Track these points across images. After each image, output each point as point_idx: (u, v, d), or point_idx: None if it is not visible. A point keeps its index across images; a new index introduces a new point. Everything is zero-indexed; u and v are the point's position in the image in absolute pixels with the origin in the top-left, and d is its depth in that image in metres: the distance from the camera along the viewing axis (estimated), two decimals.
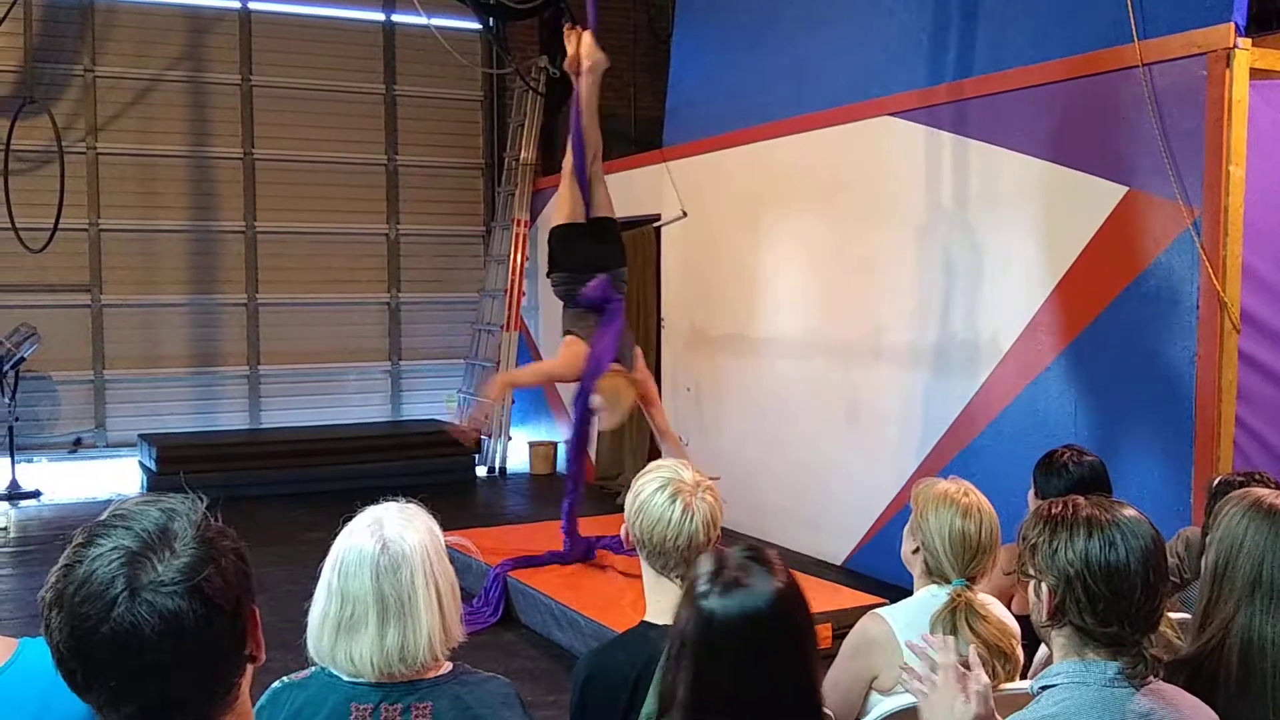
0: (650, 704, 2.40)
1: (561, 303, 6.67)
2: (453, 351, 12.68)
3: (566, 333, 6.56)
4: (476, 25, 12.42)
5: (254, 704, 1.80)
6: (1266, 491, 2.39)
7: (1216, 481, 3.44)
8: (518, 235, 12.00)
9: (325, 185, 12.08)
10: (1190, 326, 5.40)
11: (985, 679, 2.21)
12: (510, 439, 11.89)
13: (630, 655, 2.48)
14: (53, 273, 10.88)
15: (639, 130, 12.05)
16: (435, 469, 10.53)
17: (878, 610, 2.84)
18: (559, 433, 11.89)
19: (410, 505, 2.24)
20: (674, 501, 2.50)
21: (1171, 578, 3.51)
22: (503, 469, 11.71)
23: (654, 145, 10.26)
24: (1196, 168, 5.34)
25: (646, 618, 2.58)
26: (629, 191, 10.25)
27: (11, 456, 10.15)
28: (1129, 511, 2.06)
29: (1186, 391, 5.42)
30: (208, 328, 11.72)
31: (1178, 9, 5.49)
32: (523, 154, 12.14)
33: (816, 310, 8.09)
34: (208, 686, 1.33)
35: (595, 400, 6.40)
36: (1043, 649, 2.63)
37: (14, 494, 9.98)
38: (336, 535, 2.20)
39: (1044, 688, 2.05)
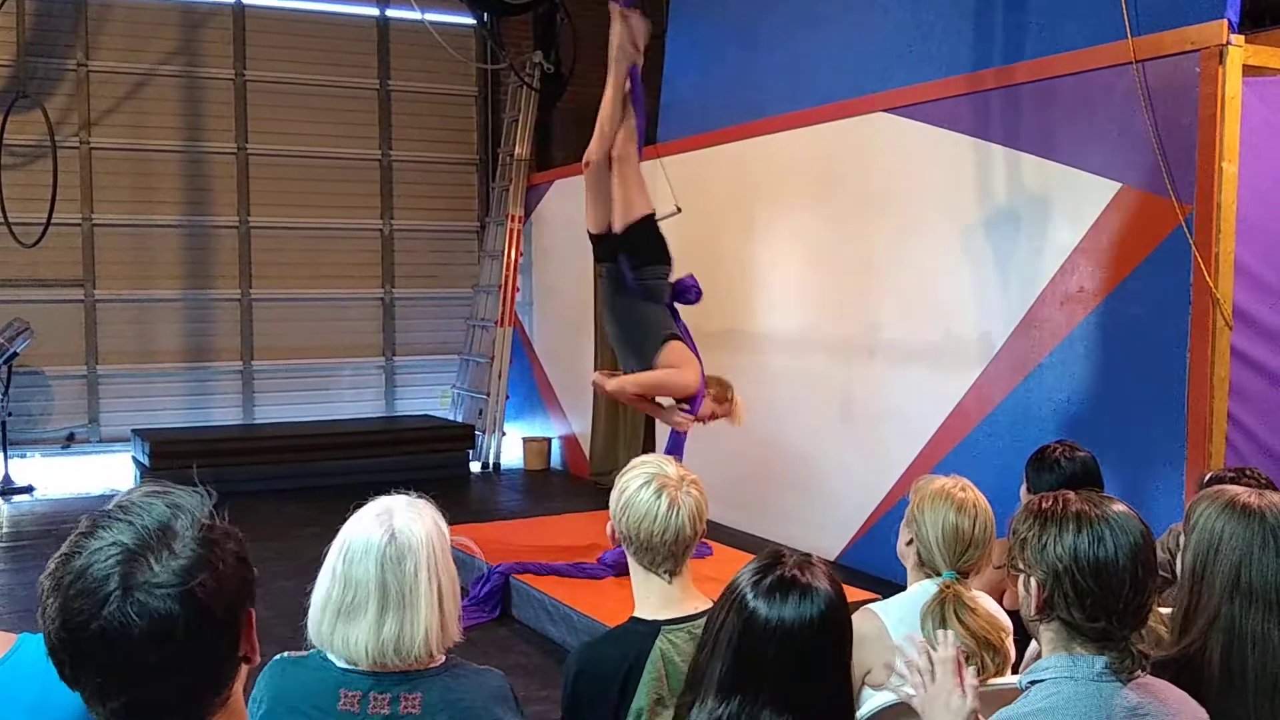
0: (641, 699, 2.41)
1: (612, 304, 6.32)
2: (447, 347, 12.68)
3: (669, 338, 6.13)
4: (471, 20, 12.41)
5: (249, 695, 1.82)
6: (1240, 490, 2.39)
7: (1208, 477, 3.45)
8: (512, 231, 12.00)
9: (319, 180, 12.07)
10: (1183, 323, 5.42)
11: (970, 675, 2.22)
12: (504, 435, 11.89)
13: (621, 650, 2.49)
14: (46, 267, 10.86)
15: None
16: (429, 464, 10.53)
17: (870, 606, 2.85)
18: (553, 428, 11.91)
19: (420, 499, 2.25)
20: (659, 496, 2.50)
21: (1163, 573, 3.52)
22: (496, 464, 11.71)
23: (648, 141, 10.22)
24: (1189, 164, 5.35)
25: (636, 613, 2.58)
26: None
27: (4, 452, 10.14)
28: (1118, 507, 2.07)
29: (1179, 388, 5.44)
30: (201, 323, 11.70)
31: (1171, 5, 5.50)
32: (517, 149, 12.13)
33: (811, 306, 8.10)
34: (197, 687, 1.33)
35: (707, 408, 6.17)
36: (1034, 644, 2.63)
37: (7, 489, 9.98)
38: (333, 528, 2.21)
39: (1032, 682, 2.06)
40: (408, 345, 12.65)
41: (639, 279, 6.22)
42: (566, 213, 11.23)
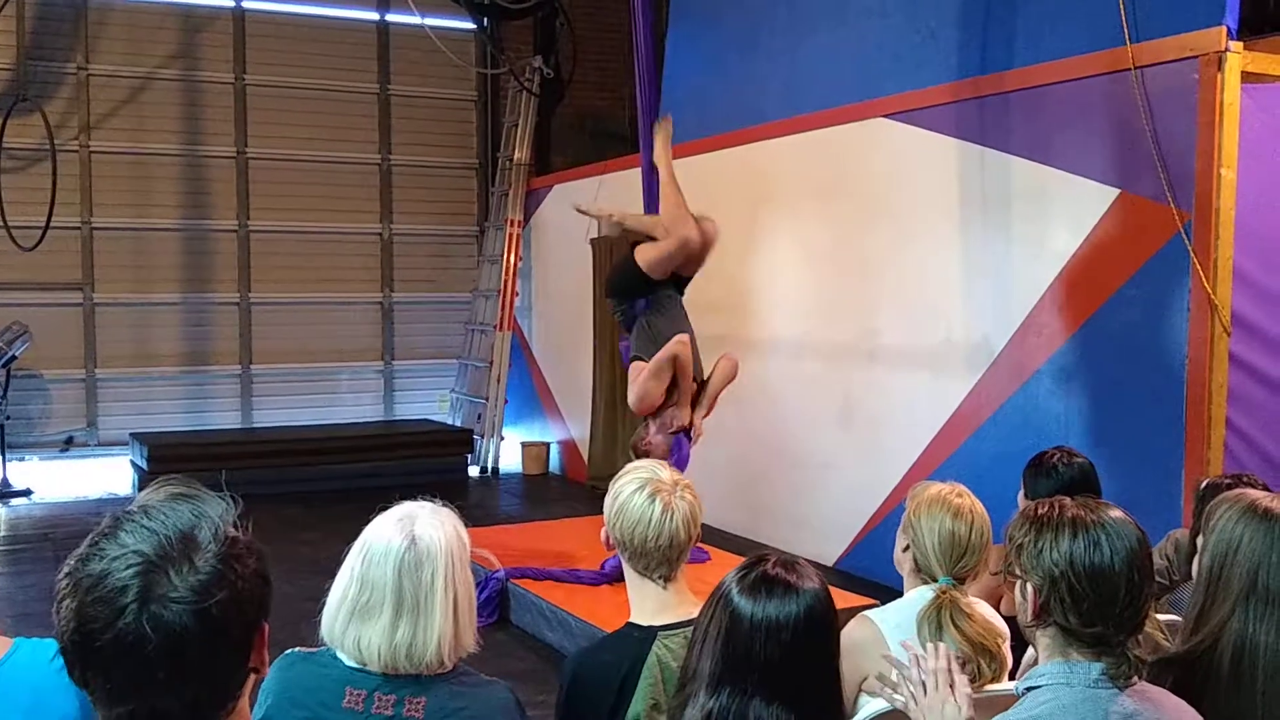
0: (638, 705, 2.40)
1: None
2: (446, 351, 12.68)
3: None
4: (471, 25, 12.42)
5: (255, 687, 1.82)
6: (1262, 495, 2.38)
7: (1205, 484, 3.45)
8: (511, 235, 12.00)
9: (319, 184, 12.07)
10: (1181, 329, 5.42)
11: (964, 680, 2.22)
12: (503, 439, 11.89)
13: (616, 656, 2.48)
14: (45, 271, 10.85)
15: (634, 130, 12.03)
16: (428, 468, 10.55)
17: (866, 613, 2.85)
18: (551, 433, 11.90)
19: (444, 508, 2.25)
20: (653, 501, 2.49)
21: (1160, 579, 3.52)
22: (495, 469, 11.71)
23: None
24: (1188, 171, 5.36)
25: (631, 619, 2.57)
26: (624, 191, 10.25)
27: (3, 455, 10.13)
28: (1115, 513, 2.06)
29: (1177, 394, 5.43)
30: (200, 326, 11.70)
31: (1170, 12, 5.51)
32: (516, 154, 12.14)
33: (811, 311, 8.10)
34: (206, 699, 1.32)
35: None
36: (1030, 650, 2.63)
37: (5, 492, 9.96)
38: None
39: (1029, 689, 2.06)
40: (406, 349, 12.65)
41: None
42: (565, 217, 11.23)
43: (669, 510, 2.49)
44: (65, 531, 8.54)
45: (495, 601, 6.48)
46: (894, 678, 2.33)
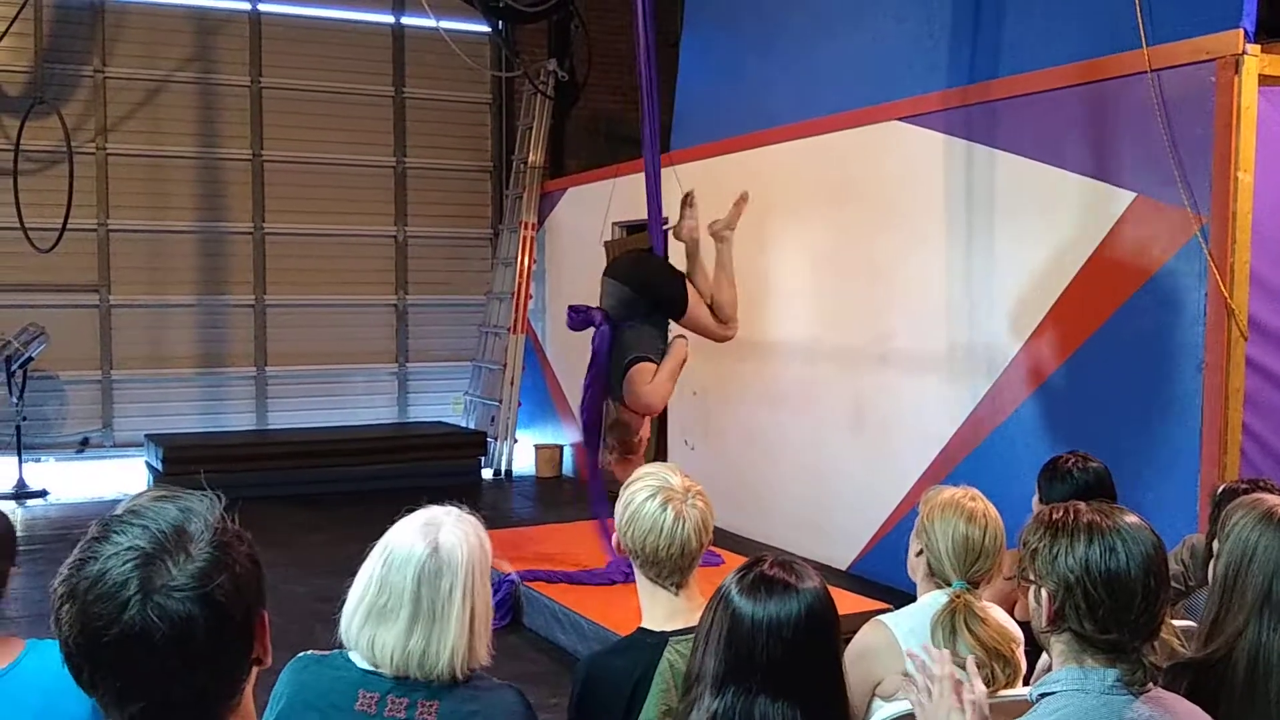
0: (650, 710, 2.40)
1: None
2: (460, 354, 12.70)
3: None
4: (485, 28, 12.43)
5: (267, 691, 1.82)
6: (1278, 500, 2.37)
7: (1221, 489, 3.43)
8: (525, 238, 12.01)
9: (334, 187, 12.11)
10: (1197, 333, 5.39)
11: (981, 688, 2.21)
12: (516, 442, 11.90)
13: (628, 662, 2.48)
14: (61, 272, 10.91)
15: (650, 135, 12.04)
16: (441, 471, 10.55)
17: (880, 617, 2.84)
18: (565, 436, 11.91)
19: (469, 515, 2.24)
20: (665, 509, 2.49)
21: (1175, 585, 3.50)
22: (508, 471, 11.72)
23: (661, 149, 10.25)
24: (1204, 174, 5.33)
25: (643, 625, 2.57)
26: (636, 196, 10.25)
27: (19, 456, 10.18)
28: (1130, 518, 2.05)
29: (1193, 398, 5.41)
30: (215, 328, 11.75)
31: (1186, 15, 5.48)
32: (531, 157, 12.15)
33: (823, 315, 8.08)
34: (214, 690, 1.33)
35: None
36: (1044, 656, 2.62)
37: (21, 493, 10.01)
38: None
39: (1043, 695, 2.05)
40: (421, 352, 12.67)
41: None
42: (579, 220, 11.25)
43: (681, 518, 2.48)
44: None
45: (508, 604, 6.49)
46: (914, 679, 2.32)
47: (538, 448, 11.88)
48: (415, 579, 2.09)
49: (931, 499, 2.85)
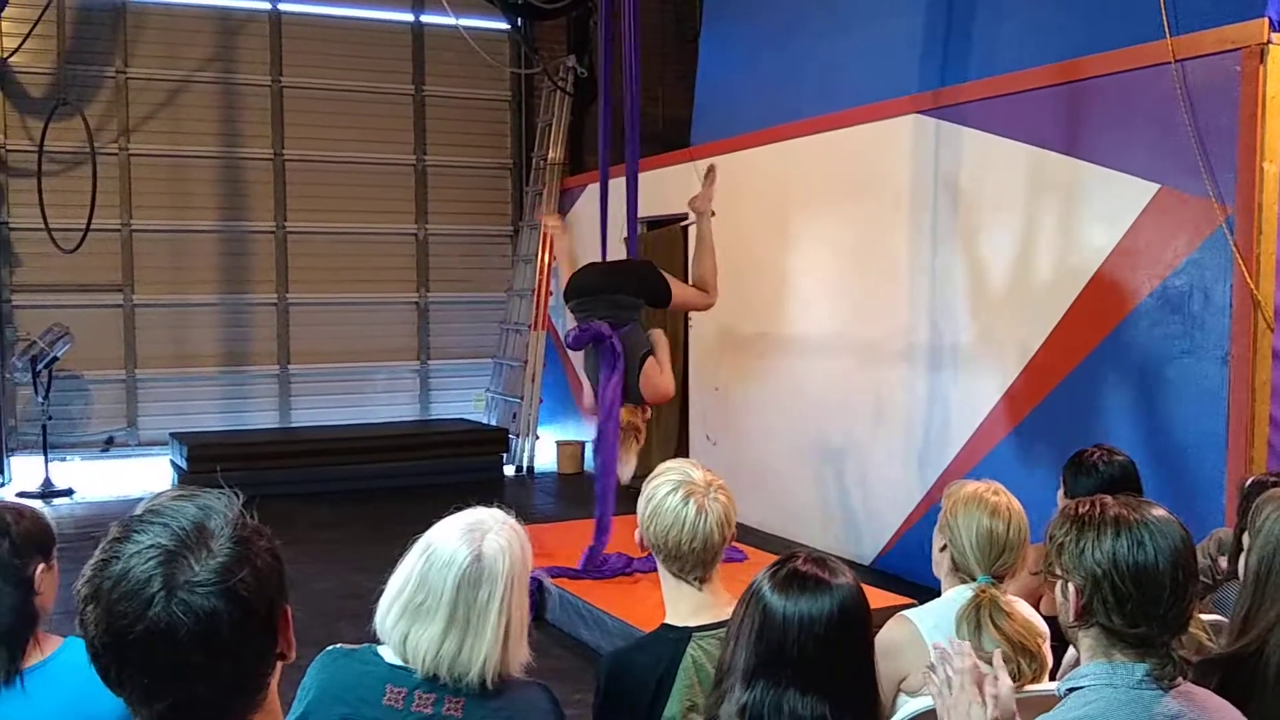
0: (674, 706, 2.40)
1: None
2: (481, 351, 12.72)
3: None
4: (505, 25, 12.45)
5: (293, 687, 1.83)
6: None
7: (1249, 482, 3.40)
8: (545, 235, 12.02)
9: (354, 185, 12.15)
10: (1223, 325, 5.35)
11: (1008, 681, 2.19)
12: (538, 438, 11.91)
13: (652, 658, 2.48)
14: (85, 273, 10.98)
15: (666, 129, 12.04)
16: (463, 468, 10.59)
17: (905, 612, 2.83)
18: (585, 432, 11.91)
19: (514, 522, 2.23)
20: (687, 503, 2.48)
21: (1203, 578, 3.47)
22: (530, 468, 11.73)
23: (681, 144, 10.26)
24: (1230, 165, 5.29)
25: (667, 620, 2.57)
26: (656, 191, 10.25)
27: (45, 455, 10.25)
28: (1158, 511, 2.03)
29: (1219, 391, 5.37)
30: (238, 327, 11.81)
31: (1211, 4, 5.43)
32: (550, 154, 12.16)
33: (844, 309, 8.06)
34: (239, 685, 1.33)
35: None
36: (1071, 651, 2.61)
37: (47, 492, 10.08)
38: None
39: (1071, 689, 2.03)
40: (442, 349, 12.70)
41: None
42: (600, 216, 11.23)
43: (703, 512, 2.48)
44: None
45: (532, 600, 6.48)
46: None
47: (559, 444, 11.89)
48: (455, 585, 2.08)
49: (954, 493, 2.83)
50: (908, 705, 2.61)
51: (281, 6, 11.83)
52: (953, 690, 2.15)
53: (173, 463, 10.78)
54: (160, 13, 11.38)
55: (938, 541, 2.84)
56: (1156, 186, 5.66)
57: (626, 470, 6.67)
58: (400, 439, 11.25)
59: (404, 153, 12.42)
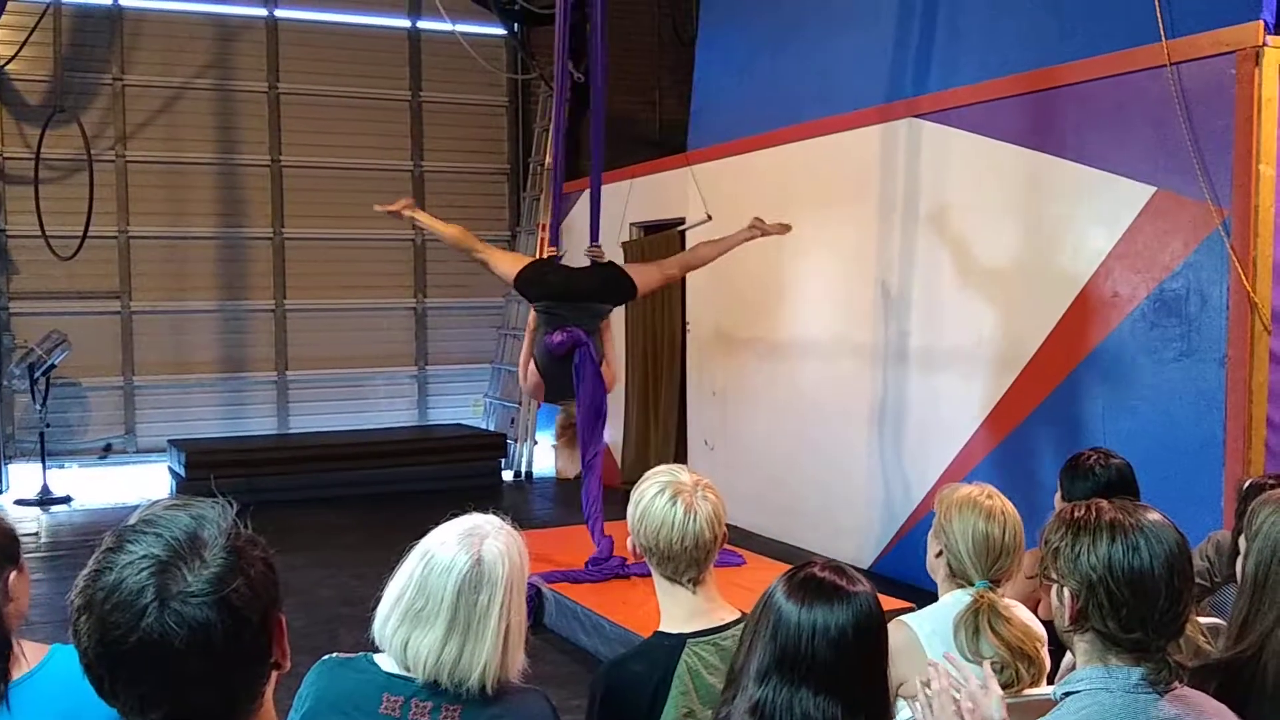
0: (670, 714, 2.39)
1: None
2: (479, 356, 12.72)
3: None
4: (501, 31, 12.46)
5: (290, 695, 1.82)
6: None
7: (1247, 484, 3.39)
8: (543, 240, 12.00)
9: (352, 191, 12.10)
10: (1220, 328, 5.35)
11: (997, 690, 2.18)
12: (536, 443, 11.91)
13: (647, 667, 2.47)
14: (82, 280, 10.99)
15: (663, 133, 12.06)
16: (462, 473, 10.59)
17: (902, 617, 2.82)
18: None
19: (511, 529, 2.23)
20: (675, 503, 2.47)
21: (1201, 581, 3.47)
22: (529, 473, 11.73)
23: (678, 149, 10.26)
24: (1226, 167, 5.29)
25: (661, 627, 2.56)
26: (654, 195, 10.26)
27: (43, 462, 10.25)
28: (1153, 516, 2.03)
29: (1216, 393, 5.37)
30: (236, 333, 11.81)
31: (1206, 7, 5.44)
32: (547, 159, 12.16)
33: (842, 312, 8.06)
34: (234, 695, 1.33)
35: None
36: (1068, 655, 2.60)
37: (45, 499, 10.08)
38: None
39: (1066, 694, 2.03)
40: (440, 354, 12.70)
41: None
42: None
43: (691, 510, 2.47)
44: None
45: (531, 606, 6.48)
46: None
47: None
48: (455, 589, 2.08)
49: (947, 498, 2.82)
50: (905, 711, 2.61)
51: (278, 13, 11.83)
52: (933, 711, 2.15)
53: (171, 470, 10.78)
54: (157, 19, 11.39)
55: (933, 547, 2.83)
56: (1153, 189, 5.67)
57: (572, 467, 7.08)
58: (399, 445, 11.25)
59: (401, 158, 12.42)
